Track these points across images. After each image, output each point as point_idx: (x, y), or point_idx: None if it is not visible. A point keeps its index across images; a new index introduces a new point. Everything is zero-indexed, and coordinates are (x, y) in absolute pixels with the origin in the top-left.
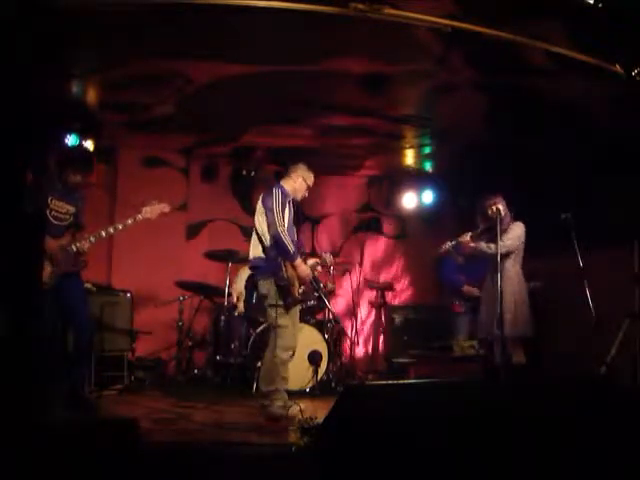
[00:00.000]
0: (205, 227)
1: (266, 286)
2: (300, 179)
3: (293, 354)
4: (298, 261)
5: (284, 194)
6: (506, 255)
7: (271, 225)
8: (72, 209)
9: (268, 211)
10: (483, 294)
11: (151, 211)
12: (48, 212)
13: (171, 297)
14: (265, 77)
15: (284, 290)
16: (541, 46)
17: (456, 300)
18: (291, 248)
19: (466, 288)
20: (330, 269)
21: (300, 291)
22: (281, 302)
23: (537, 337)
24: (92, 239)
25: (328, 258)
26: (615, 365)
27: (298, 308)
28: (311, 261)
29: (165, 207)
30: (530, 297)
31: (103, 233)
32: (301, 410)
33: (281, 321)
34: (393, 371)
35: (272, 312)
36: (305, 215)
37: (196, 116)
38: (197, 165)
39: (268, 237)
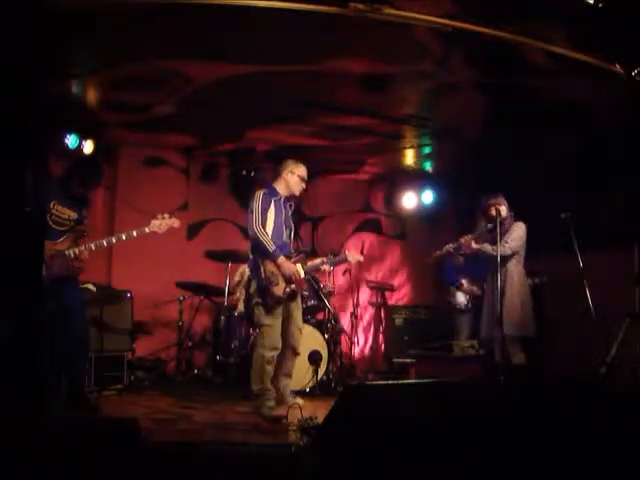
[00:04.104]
0: (205, 227)
1: (253, 285)
2: (289, 174)
3: (296, 352)
4: (280, 259)
5: (269, 194)
6: (510, 255)
7: (249, 226)
8: (74, 215)
9: (249, 213)
10: (485, 294)
11: (159, 225)
12: (48, 216)
13: (171, 297)
14: (265, 77)
15: (264, 289)
16: (541, 46)
17: (456, 300)
18: (270, 246)
19: (466, 286)
20: (330, 268)
21: (288, 290)
22: (260, 300)
23: (538, 337)
24: (93, 246)
25: (354, 257)
26: (615, 365)
27: (297, 305)
28: (317, 260)
29: (175, 222)
30: (533, 293)
31: (104, 242)
32: (301, 410)
33: (263, 320)
34: (393, 371)
35: (256, 311)
36: (305, 215)
37: (196, 116)
38: (197, 165)
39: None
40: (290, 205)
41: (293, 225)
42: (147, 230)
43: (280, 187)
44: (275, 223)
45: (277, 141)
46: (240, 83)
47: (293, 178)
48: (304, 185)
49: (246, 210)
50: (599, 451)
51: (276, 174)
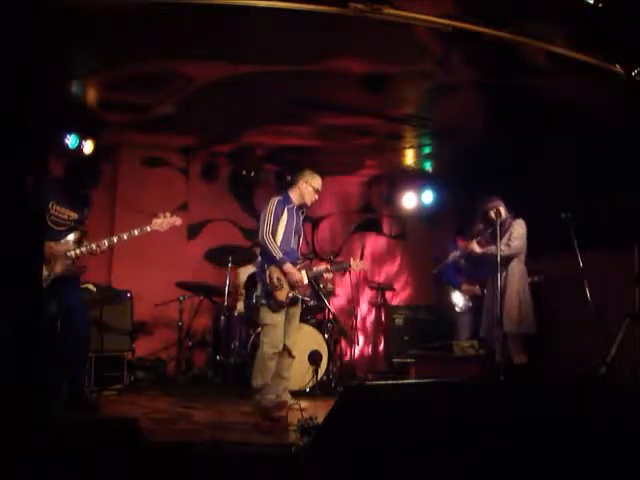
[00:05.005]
0: (205, 227)
1: (259, 287)
2: (304, 184)
3: (290, 354)
4: (287, 267)
5: (283, 202)
6: (514, 255)
7: (258, 232)
8: (74, 215)
9: (260, 218)
10: (487, 294)
11: (161, 223)
12: (47, 217)
13: (171, 297)
14: (265, 77)
15: (268, 293)
16: (541, 46)
17: (456, 301)
18: (277, 254)
19: (466, 287)
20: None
21: (291, 295)
22: (264, 302)
23: (538, 337)
24: (94, 247)
25: (358, 265)
26: (615, 365)
27: (297, 309)
28: (321, 267)
29: (177, 220)
30: (532, 293)
31: (106, 242)
32: (301, 410)
33: (267, 320)
34: (393, 371)
35: (261, 310)
36: (305, 215)
37: (196, 116)
38: (197, 165)
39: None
40: (302, 212)
41: (303, 232)
42: (149, 229)
43: (294, 195)
44: (285, 231)
45: (277, 141)
46: (240, 83)
47: (307, 189)
48: (317, 196)
49: (246, 210)
50: (599, 451)
51: (292, 182)
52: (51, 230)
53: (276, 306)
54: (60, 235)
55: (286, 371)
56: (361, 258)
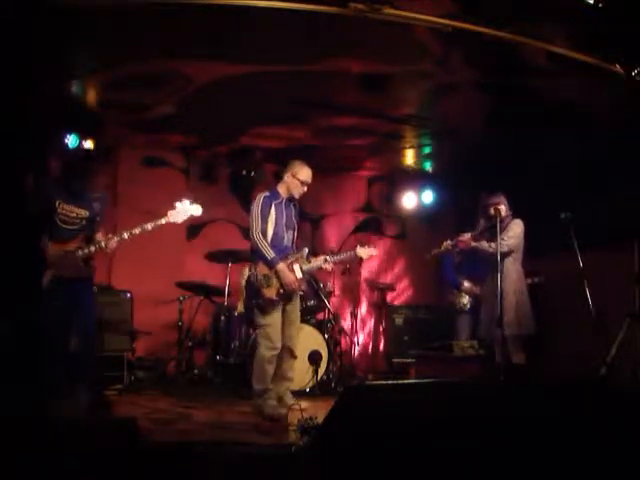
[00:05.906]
0: (205, 227)
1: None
2: (290, 177)
3: (293, 354)
4: (279, 266)
5: (270, 198)
6: (507, 254)
7: (249, 230)
8: (84, 213)
9: (249, 216)
10: (484, 293)
11: (177, 214)
12: (55, 216)
13: (171, 297)
14: (265, 77)
15: (257, 291)
16: (541, 46)
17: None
18: (268, 254)
19: (466, 287)
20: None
21: (281, 291)
22: (255, 301)
23: (537, 337)
24: (103, 244)
25: (365, 252)
26: (615, 365)
27: (295, 307)
28: (320, 258)
29: (198, 209)
30: (531, 293)
31: (116, 238)
32: (301, 410)
33: (261, 320)
34: (393, 371)
35: (255, 311)
36: (305, 215)
37: (196, 116)
38: (197, 165)
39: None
40: (294, 205)
41: (296, 225)
42: (164, 221)
43: (282, 189)
44: (276, 228)
45: (277, 141)
46: (240, 83)
47: (294, 182)
48: (305, 189)
49: (246, 210)
50: (599, 451)
51: (280, 175)
52: (61, 229)
53: (267, 305)
54: (71, 234)
55: (290, 372)
56: (361, 258)
